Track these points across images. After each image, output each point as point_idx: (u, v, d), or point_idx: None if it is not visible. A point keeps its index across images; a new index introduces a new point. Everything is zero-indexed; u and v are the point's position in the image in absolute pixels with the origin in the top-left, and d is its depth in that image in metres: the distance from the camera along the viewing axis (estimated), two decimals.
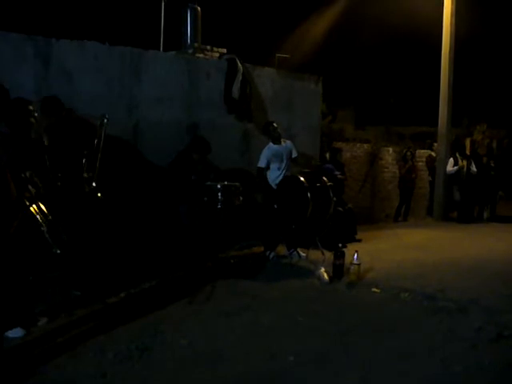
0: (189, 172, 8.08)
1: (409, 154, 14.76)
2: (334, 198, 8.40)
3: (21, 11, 17.83)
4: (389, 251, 9.73)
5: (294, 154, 9.06)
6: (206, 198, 7.89)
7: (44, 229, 5.16)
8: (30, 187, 5.14)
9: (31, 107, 5.37)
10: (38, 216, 5.16)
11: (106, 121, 6.58)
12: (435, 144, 15.80)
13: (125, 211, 7.79)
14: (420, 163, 15.94)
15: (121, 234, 7.34)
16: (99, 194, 6.31)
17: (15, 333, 5.10)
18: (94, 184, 6.27)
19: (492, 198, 15.36)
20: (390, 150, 15.61)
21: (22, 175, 5.10)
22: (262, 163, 8.90)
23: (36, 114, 5.40)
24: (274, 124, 9.08)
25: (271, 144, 8.98)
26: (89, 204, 6.30)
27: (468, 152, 15.70)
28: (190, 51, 10.15)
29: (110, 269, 6.58)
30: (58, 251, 5.29)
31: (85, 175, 6.25)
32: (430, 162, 15.66)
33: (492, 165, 15.40)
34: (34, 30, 7.84)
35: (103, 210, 6.47)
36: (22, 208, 5.04)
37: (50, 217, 5.26)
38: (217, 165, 9.20)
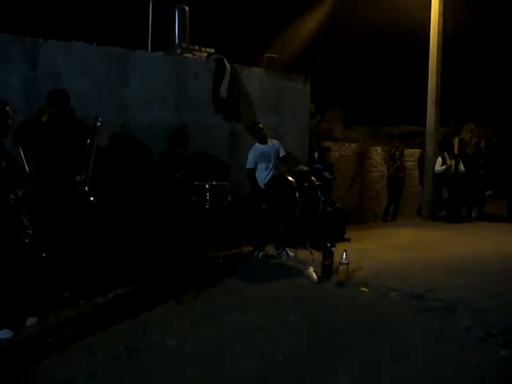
0: (174, 170, 8.05)
1: (397, 153, 14.78)
2: (323, 198, 8.42)
3: (7, 11, 17.73)
4: (377, 250, 9.76)
5: (282, 153, 9.05)
6: (194, 198, 7.86)
7: (30, 232, 5.15)
8: (17, 190, 5.13)
9: (8, 108, 5.34)
10: (24, 219, 5.14)
11: (99, 124, 6.53)
12: None
13: (114, 212, 7.76)
14: (409, 162, 15.98)
15: (110, 235, 7.31)
16: (92, 198, 6.28)
17: (3, 334, 5.08)
18: (86, 188, 6.24)
19: (480, 197, 15.37)
20: (379, 149, 15.63)
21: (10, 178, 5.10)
22: (250, 164, 8.88)
23: (11, 113, 5.37)
24: (260, 125, 9.10)
25: (258, 144, 8.98)
26: (80, 207, 6.27)
27: (456, 151, 15.71)
28: (178, 51, 10.11)
29: (98, 270, 6.55)
30: (44, 254, 5.28)
31: (77, 178, 6.23)
32: (422, 160, 15.65)
33: (480, 163, 15.42)
34: (21, 30, 7.79)
35: (95, 213, 6.43)
36: (9, 211, 5.03)
37: (37, 221, 5.26)
38: (205, 164, 9.16)
